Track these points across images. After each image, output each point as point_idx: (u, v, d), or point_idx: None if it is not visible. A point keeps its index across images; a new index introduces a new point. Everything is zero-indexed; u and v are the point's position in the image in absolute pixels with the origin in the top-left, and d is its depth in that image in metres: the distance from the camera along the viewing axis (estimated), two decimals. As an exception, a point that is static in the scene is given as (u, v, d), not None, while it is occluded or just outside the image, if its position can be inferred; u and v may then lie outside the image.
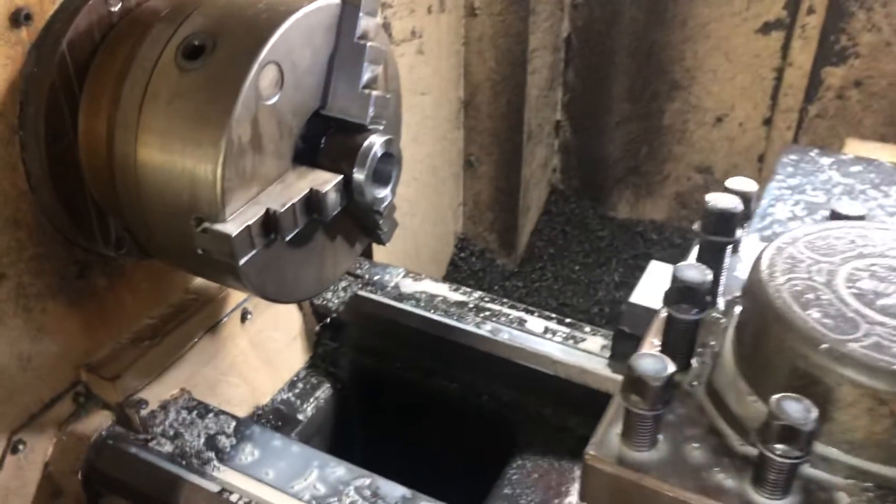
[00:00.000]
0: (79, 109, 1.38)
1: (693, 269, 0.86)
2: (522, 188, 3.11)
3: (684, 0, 2.90)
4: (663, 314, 0.92)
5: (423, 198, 2.94)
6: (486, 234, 3.30)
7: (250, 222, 1.24)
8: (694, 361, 0.92)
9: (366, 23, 1.39)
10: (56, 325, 1.51)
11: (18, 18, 1.29)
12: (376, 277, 2.07)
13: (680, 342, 0.88)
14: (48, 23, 1.34)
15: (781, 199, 1.93)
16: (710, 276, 0.85)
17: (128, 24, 1.42)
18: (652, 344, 0.93)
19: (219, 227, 1.22)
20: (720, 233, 0.95)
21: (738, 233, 0.98)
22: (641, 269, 3.27)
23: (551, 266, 3.32)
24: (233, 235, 1.21)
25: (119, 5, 1.41)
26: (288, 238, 1.30)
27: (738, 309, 0.94)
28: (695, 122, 3.10)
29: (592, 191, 3.45)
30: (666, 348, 0.90)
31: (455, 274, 3.25)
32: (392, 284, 2.05)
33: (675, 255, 3.28)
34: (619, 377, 1.75)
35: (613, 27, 3.04)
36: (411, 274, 2.10)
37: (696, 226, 0.97)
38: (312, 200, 1.33)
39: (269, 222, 1.28)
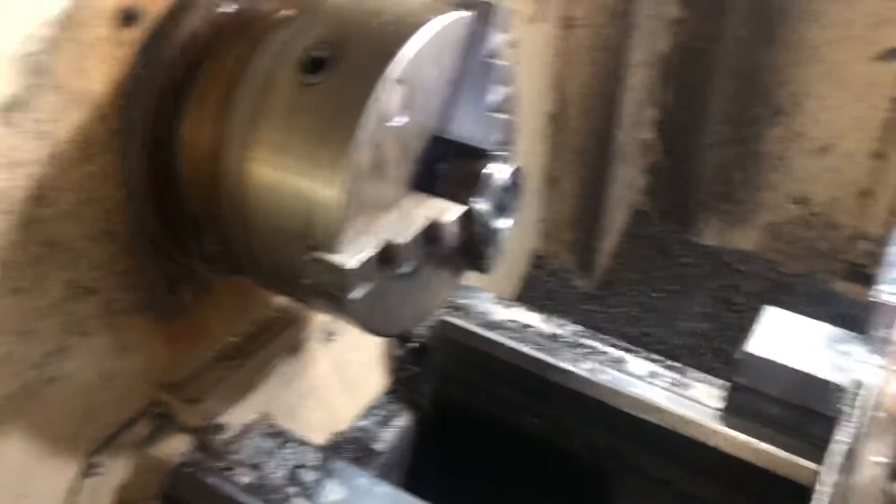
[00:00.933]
0: (183, 116, 1.29)
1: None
2: (606, 208, 2.97)
3: (798, 21, 2.73)
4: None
5: (502, 212, 2.82)
6: (563, 254, 3.17)
7: (367, 254, 1.13)
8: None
9: (496, 39, 1.27)
10: (141, 341, 1.42)
11: (129, 17, 1.20)
12: (463, 301, 1.96)
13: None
14: (158, 22, 1.24)
15: (916, 250, 1.77)
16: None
17: (239, 26, 1.32)
18: None
19: (334, 258, 1.12)
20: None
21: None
22: (727, 302, 3.14)
23: (631, 292, 3.17)
24: (349, 268, 1.10)
25: (231, 5, 1.32)
26: (402, 271, 1.19)
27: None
28: (796, 150, 2.93)
29: (678, 215, 3.29)
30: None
31: (528, 293, 3.13)
32: (481, 310, 1.94)
33: (766, 288, 3.11)
34: (731, 432, 1.64)
35: (715, 45, 2.89)
36: (501, 299, 1.99)
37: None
38: (431, 232, 1.22)
39: (386, 254, 1.17)
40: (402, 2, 1.31)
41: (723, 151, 3.07)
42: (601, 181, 2.91)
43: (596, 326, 3.09)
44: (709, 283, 3.17)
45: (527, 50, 2.55)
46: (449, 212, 1.23)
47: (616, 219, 3.18)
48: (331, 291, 1.15)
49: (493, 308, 1.95)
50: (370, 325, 1.29)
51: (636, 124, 3.01)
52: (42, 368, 1.27)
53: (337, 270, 1.11)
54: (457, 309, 1.94)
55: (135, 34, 1.22)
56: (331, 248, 1.13)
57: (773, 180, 3.04)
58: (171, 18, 1.25)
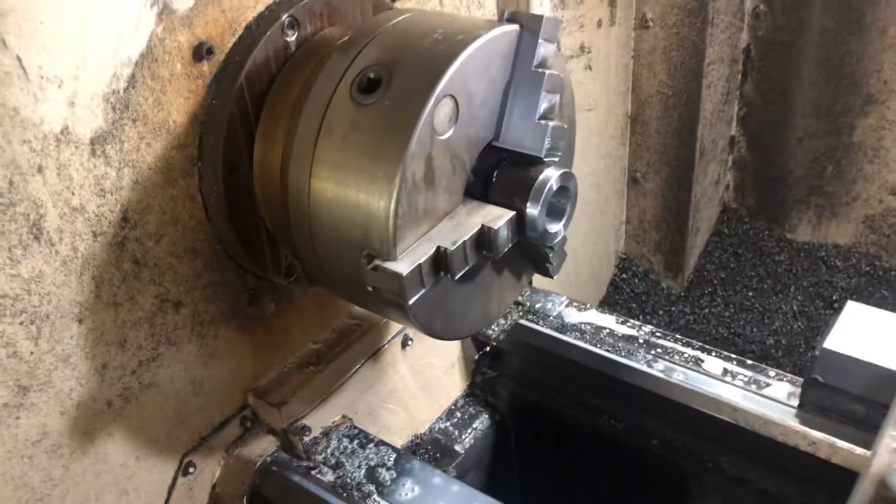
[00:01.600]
0: (255, 140, 1.39)
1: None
2: (692, 207, 2.93)
3: (886, 5, 2.62)
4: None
5: (584, 216, 2.84)
6: (650, 255, 3.14)
7: (421, 261, 1.20)
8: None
9: (544, 50, 1.31)
10: (227, 350, 1.53)
11: (201, 52, 1.31)
12: (538, 305, 2.00)
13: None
14: (228, 55, 1.35)
15: None
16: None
17: (303, 54, 1.42)
18: None
19: (390, 265, 1.19)
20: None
21: None
22: (823, 299, 3.03)
23: (722, 291, 3.11)
24: (404, 275, 1.17)
25: (295, 35, 1.41)
26: (458, 276, 1.25)
27: None
28: (891, 140, 2.81)
29: (769, 211, 3.20)
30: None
31: (616, 296, 3.12)
32: (555, 314, 1.97)
33: (862, 284, 2.99)
34: (809, 430, 1.61)
35: (800, 37, 2.81)
36: (575, 303, 2.01)
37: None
38: (483, 237, 1.27)
39: (440, 260, 1.23)
40: (455, 20, 1.37)
41: (813, 144, 2.98)
42: (685, 180, 2.88)
43: (686, 328, 3.07)
44: (803, 280, 3.07)
45: (600, 54, 2.57)
46: (499, 218, 1.28)
47: (703, 217, 3.13)
48: (389, 297, 1.22)
49: (567, 311, 1.98)
50: (432, 329, 1.35)
51: (719, 121, 2.95)
52: (138, 375, 1.39)
53: (393, 277, 1.18)
54: (532, 313, 1.97)
55: (207, 68, 1.33)
56: (387, 257, 1.20)
57: (869, 171, 2.92)
58: (239, 51, 1.36)
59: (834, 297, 2.99)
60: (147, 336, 1.38)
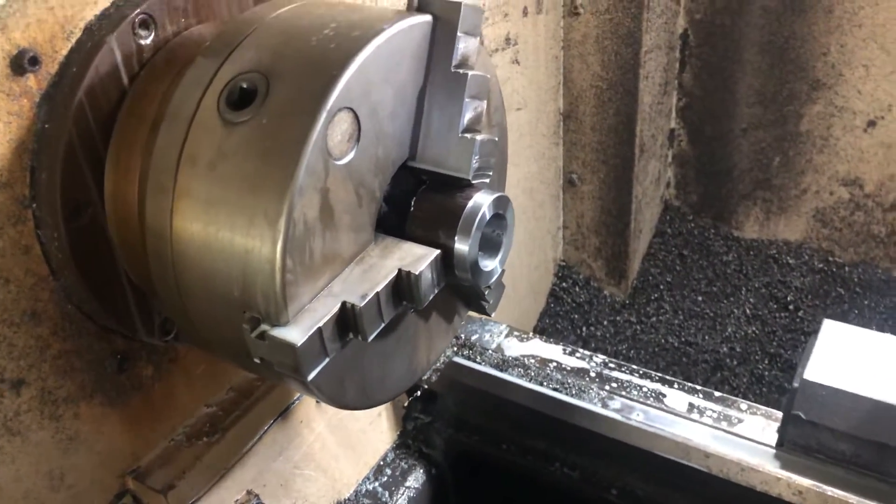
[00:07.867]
0: (104, 171, 1.10)
1: None
2: (634, 208, 2.72)
3: (832, -17, 2.46)
4: None
5: (518, 224, 2.59)
6: (590, 261, 2.92)
7: (321, 324, 0.93)
8: None
9: (465, 45, 1.05)
10: (93, 430, 1.24)
11: (22, 63, 1.01)
12: (474, 337, 1.75)
13: None
14: (62, 66, 1.05)
15: None
16: None
17: (164, 60, 1.13)
18: None
19: (280, 332, 0.91)
20: None
21: None
22: (777, 300, 2.86)
23: (669, 297, 2.91)
24: (298, 345, 0.90)
25: (151, 36, 1.12)
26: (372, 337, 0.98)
27: None
28: (841, 127, 2.65)
29: (714, 208, 3.02)
30: None
31: (556, 307, 2.89)
32: (493, 346, 1.72)
33: (817, 282, 2.82)
34: (793, 476, 1.40)
35: (740, 19, 2.62)
36: (516, 332, 1.76)
37: None
38: (402, 285, 1.01)
39: (347, 320, 0.96)
40: (353, 10, 1.10)
41: (758, 135, 2.80)
42: (625, 179, 2.67)
43: (633, 338, 2.87)
44: (754, 280, 2.89)
45: (528, 46, 2.32)
46: (421, 259, 1.01)
47: (645, 218, 2.93)
48: (283, 371, 0.95)
49: (507, 343, 1.73)
50: (343, 401, 1.08)
51: (658, 114, 2.75)
52: (-30, 479, 1.09)
53: (285, 348, 0.91)
54: (467, 347, 1.72)
55: (33, 82, 1.03)
56: (276, 321, 0.93)
57: (818, 162, 2.75)
58: (77, 60, 1.06)
59: (788, 298, 2.82)
60: (-23, 429, 1.08)
